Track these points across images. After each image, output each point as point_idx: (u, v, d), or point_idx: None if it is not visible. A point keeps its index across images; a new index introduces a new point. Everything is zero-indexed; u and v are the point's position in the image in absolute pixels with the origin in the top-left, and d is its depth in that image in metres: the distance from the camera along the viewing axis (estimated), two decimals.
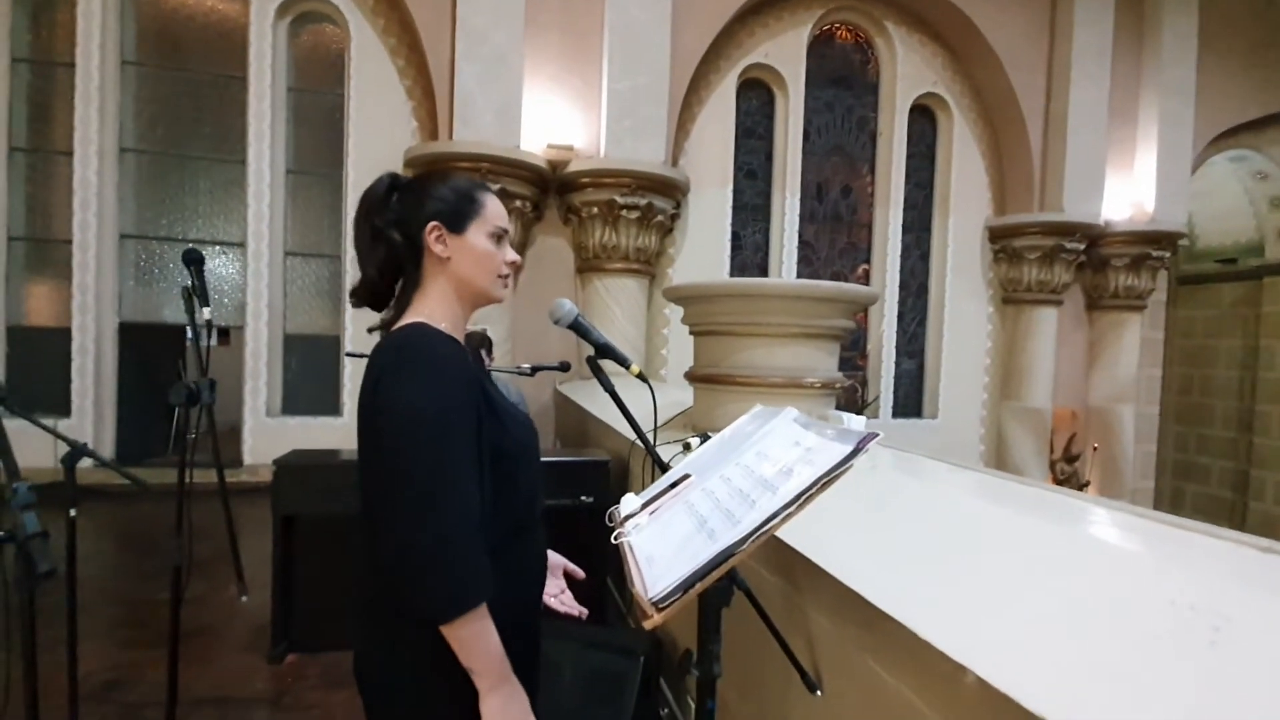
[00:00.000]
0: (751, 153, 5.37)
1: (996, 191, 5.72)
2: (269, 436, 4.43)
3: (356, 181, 4.62)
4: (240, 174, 4.62)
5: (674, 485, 0.98)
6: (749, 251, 5.42)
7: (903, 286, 5.64)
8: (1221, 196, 6.60)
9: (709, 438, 2.40)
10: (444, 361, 0.94)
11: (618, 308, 4.71)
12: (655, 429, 1.30)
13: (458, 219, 1.05)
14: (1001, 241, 5.63)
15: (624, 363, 1.17)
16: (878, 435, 0.72)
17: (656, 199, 4.67)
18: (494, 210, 1.08)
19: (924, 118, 5.67)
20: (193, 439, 1.93)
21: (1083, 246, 5.48)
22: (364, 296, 1.08)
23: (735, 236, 5.31)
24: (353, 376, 4.67)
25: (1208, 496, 7.13)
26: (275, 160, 4.67)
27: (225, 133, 4.67)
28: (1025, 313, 5.62)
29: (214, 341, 4.02)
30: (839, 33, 5.56)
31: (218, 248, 4.75)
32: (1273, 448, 6.52)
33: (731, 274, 5.28)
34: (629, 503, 1.05)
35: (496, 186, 4.27)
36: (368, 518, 0.96)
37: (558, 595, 1.23)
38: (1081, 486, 5.86)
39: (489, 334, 4.01)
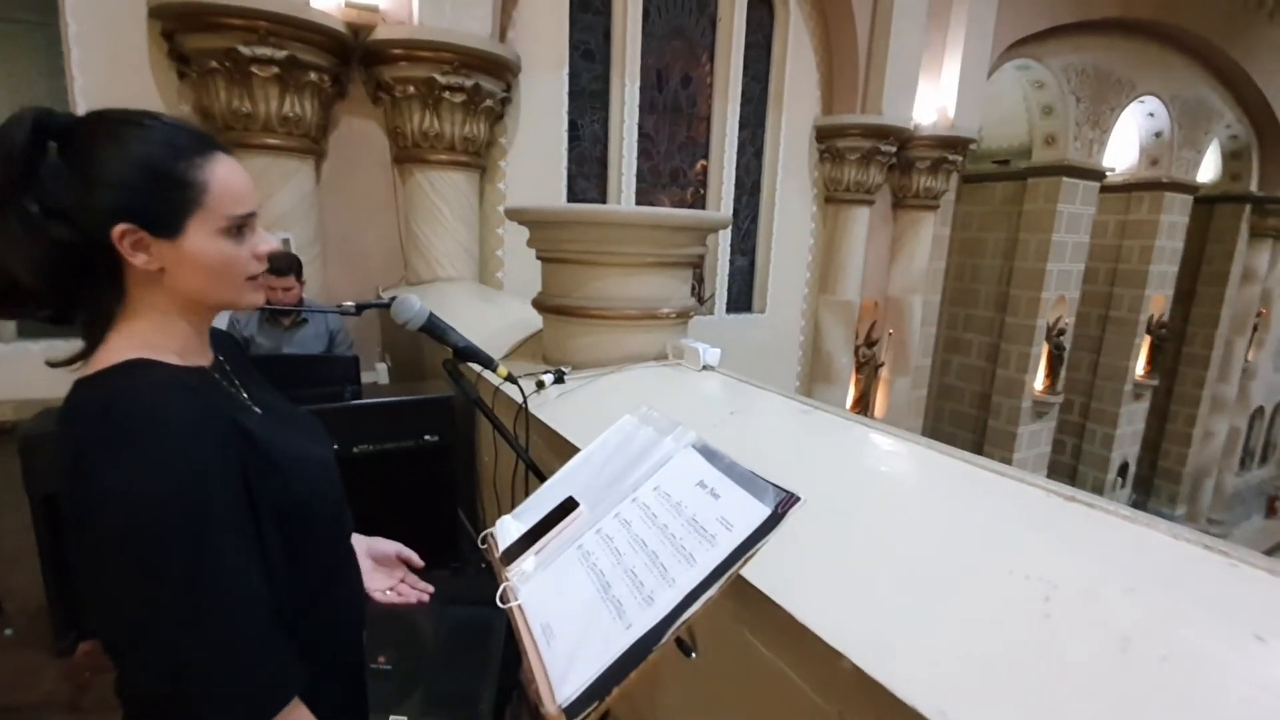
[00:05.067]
0: (588, 30, 4.89)
1: (825, 89, 5.83)
2: (5, 368, 3.56)
3: (80, 35, 3.52)
4: None
5: (559, 513, 0.88)
6: (587, 143, 5.09)
7: (738, 185, 5.70)
8: (1004, 103, 7.34)
9: (564, 375, 2.28)
10: (175, 423, 0.64)
11: (445, 206, 4.25)
12: (526, 412, 1.17)
13: (163, 217, 0.68)
14: (827, 141, 5.84)
15: (489, 364, 1.01)
16: (799, 500, 0.66)
17: (484, 80, 4.13)
18: (225, 189, 0.71)
19: (763, 5, 5.49)
20: None
21: (895, 149, 5.86)
22: (10, 306, 0.68)
23: (573, 125, 4.94)
24: None
25: (968, 366, 8.53)
26: None
27: None
28: (843, 212, 6.00)
29: None
30: None
31: None
32: (1017, 325, 7.86)
33: (569, 166, 4.96)
34: (506, 530, 0.93)
35: (283, 54, 3.50)
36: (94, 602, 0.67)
37: (395, 586, 1.05)
38: (878, 367, 6.68)
39: (291, 244, 3.46)
